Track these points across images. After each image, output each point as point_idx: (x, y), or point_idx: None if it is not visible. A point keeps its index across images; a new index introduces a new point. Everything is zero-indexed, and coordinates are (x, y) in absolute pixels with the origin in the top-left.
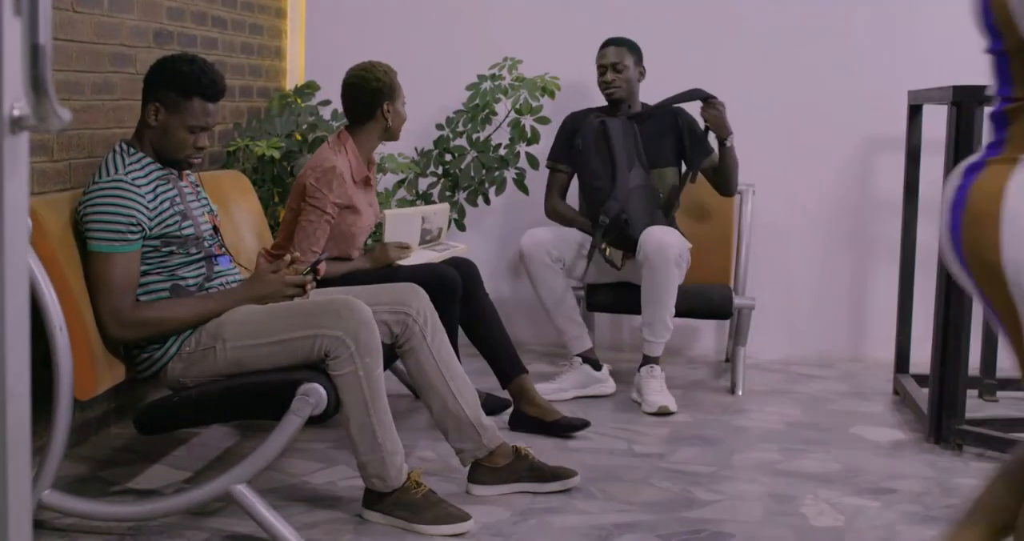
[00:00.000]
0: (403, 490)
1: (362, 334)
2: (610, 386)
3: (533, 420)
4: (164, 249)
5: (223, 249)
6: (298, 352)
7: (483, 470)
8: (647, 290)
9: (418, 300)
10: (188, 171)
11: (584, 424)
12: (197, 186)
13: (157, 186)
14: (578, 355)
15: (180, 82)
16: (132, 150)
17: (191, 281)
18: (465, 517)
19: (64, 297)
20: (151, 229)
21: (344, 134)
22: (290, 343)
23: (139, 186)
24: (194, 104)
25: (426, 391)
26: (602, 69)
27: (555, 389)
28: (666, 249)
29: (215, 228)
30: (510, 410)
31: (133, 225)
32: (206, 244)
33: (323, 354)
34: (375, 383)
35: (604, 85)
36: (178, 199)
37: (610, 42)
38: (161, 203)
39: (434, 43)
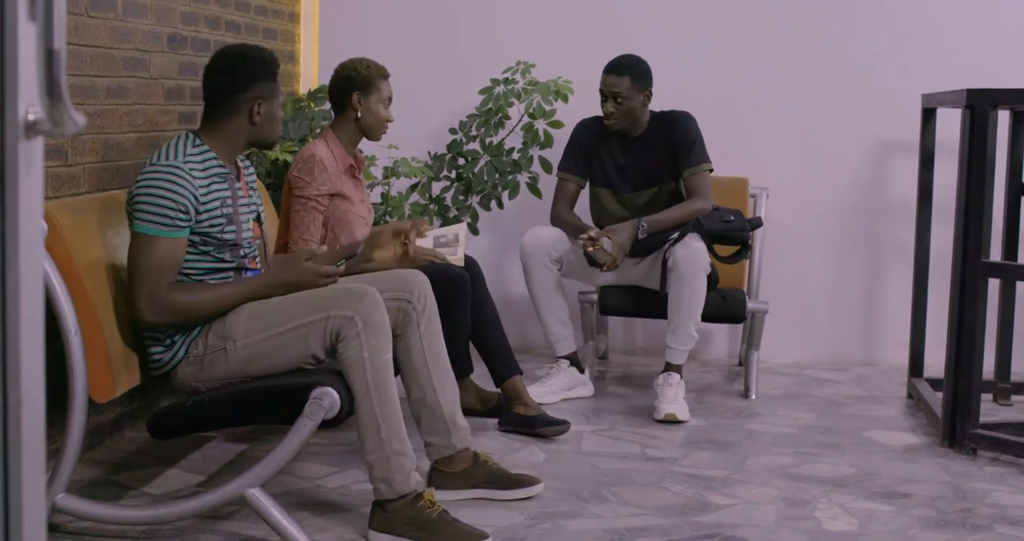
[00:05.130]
0: (417, 508)
1: (372, 316)
2: (590, 389)
3: (522, 418)
4: (202, 247)
5: (256, 262)
6: (310, 338)
7: (440, 475)
8: (674, 297)
9: (420, 286)
10: (245, 172)
11: (562, 423)
12: (252, 189)
13: (212, 182)
14: (564, 357)
15: (264, 69)
16: (198, 141)
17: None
18: (482, 536)
19: (79, 301)
20: (197, 221)
21: (328, 128)
22: (302, 330)
23: (195, 176)
24: (277, 82)
25: (408, 377)
26: (603, 96)
27: (545, 391)
28: (697, 258)
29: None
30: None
31: (183, 211)
32: (241, 254)
33: (335, 338)
34: (381, 368)
35: (604, 114)
36: (229, 201)
37: (612, 68)
38: (212, 200)
39: (448, 47)
